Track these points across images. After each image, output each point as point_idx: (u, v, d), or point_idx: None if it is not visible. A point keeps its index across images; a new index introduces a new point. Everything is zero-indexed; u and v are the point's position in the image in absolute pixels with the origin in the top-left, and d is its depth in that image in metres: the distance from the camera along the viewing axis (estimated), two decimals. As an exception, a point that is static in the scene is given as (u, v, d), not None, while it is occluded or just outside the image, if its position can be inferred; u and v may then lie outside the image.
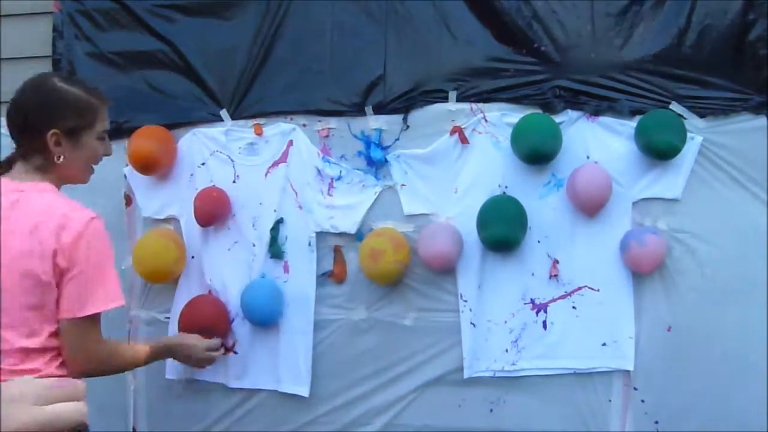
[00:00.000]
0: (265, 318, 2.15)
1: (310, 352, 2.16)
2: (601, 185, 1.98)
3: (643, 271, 1.99)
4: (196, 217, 2.16)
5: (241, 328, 2.21)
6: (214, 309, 2.17)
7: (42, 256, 1.51)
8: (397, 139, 2.15)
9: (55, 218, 1.52)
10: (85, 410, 0.60)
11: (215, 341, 2.08)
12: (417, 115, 2.14)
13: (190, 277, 2.26)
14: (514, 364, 2.07)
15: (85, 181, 1.74)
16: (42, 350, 1.55)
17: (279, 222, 2.19)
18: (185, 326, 2.12)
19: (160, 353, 1.93)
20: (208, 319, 2.14)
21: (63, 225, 1.52)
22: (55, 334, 1.57)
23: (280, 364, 2.18)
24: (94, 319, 1.59)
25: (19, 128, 1.62)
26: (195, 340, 2.02)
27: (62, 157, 1.61)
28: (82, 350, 1.58)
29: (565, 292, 2.06)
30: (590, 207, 2.01)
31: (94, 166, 1.73)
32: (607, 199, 2.00)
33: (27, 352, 1.53)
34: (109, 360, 1.69)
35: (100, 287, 1.56)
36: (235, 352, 2.18)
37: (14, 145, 1.65)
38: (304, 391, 2.16)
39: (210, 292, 2.23)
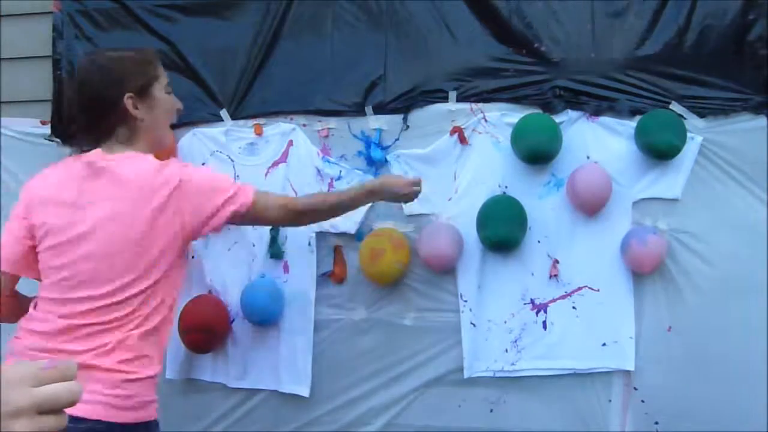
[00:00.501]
0: (265, 318, 2.15)
1: (310, 352, 2.16)
2: (601, 185, 1.98)
3: (644, 271, 1.99)
4: (196, 217, 2.16)
5: (241, 328, 2.20)
6: (214, 309, 2.17)
7: (161, 211, 1.56)
8: (397, 139, 2.15)
9: (159, 177, 1.58)
10: (76, 389, 0.60)
11: (417, 177, 1.93)
12: (417, 115, 2.14)
13: (190, 277, 2.26)
14: (514, 364, 2.07)
15: (167, 141, 1.79)
16: (160, 304, 1.61)
17: (279, 222, 2.19)
18: (185, 326, 2.12)
19: (362, 196, 1.85)
20: (208, 319, 2.14)
21: (164, 178, 1.58)
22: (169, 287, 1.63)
23: (281, 364, 2.18)
24: (251, 203, 1.67)
25: (93, 108, 1.65)
26: (397, 177, 1.96)
27: (144, 119, 1.66)
28: (275, 218, 1.75)
29: (565, 292, 2.06)
30: (590, 207, 2.01)
31: (169, 125, 1.78)
32: (607, 199, 2.00)
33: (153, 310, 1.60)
34: (306, 206, 1.78)
35: (222, 184, 1.65)
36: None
37: (87, 136, 1.68)
38: (304, 391, 2.16)
39: (210, 292, 2.23)
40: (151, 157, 1.64)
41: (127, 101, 1.62)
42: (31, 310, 1.65)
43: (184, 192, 1.58)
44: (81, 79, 1.68)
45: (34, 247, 1.65)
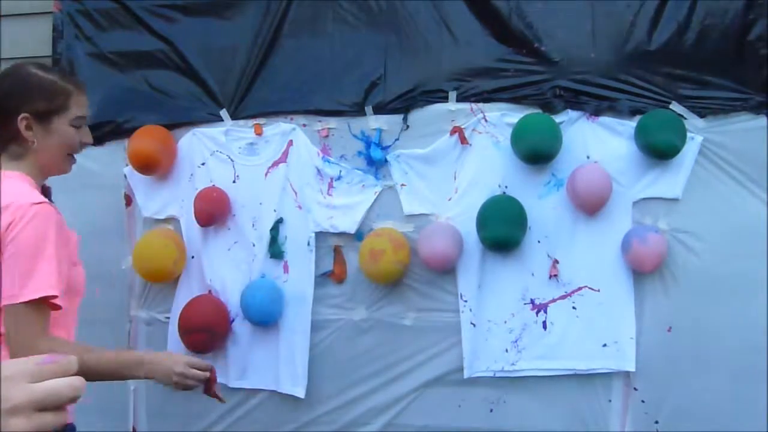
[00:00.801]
0: (265, 318, 2.15)
1: (307, 353, 2.16)
2: (601, 185, 1.98)
3: (645, 270, 1.99)
4: (196, 217, 2.16)
5: (241, 328, 2.21)
6: (214, 309, 2.17)
7: None
8: (397, 139, 2.15)
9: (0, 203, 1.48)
10: (78, 384, 0.57)
11: (206, 363, 1.68)
12: (417, 115, 2.14)
13: (190, 277, 2.26)
14: (514, 364, 2.07)
15: (64, 170, 1.68)
16: None
17: (279, 222, 2.19)
18: (185, 326, 2.12)
19: (130, 363, 1.61)
20: (208, 319, 2.14)
21: (4, 209, 1.47)
22: None
23: (280, 365, 2.18)
24: (35, 308, 1.46)
25: None
26: (177, 355, 1.71)
27: (35, 142, 1.59)
28: (19, 342, 1.45)
29: (565, 292, 2.06)
30: (590, 207, 2.01)
31: (75, 156, 1.67)
32: (607, 198, 1.99)
33: None
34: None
35: (33, 273, 1.46)
36: (222, 401, 1.75)
37: None
38: (300, 392, 2.16)
39: (210, 292, 2.23)
40: (22, 186, 1.55)
41: (21, 121, 1.56)
42: None
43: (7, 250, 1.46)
44: None
45: None
